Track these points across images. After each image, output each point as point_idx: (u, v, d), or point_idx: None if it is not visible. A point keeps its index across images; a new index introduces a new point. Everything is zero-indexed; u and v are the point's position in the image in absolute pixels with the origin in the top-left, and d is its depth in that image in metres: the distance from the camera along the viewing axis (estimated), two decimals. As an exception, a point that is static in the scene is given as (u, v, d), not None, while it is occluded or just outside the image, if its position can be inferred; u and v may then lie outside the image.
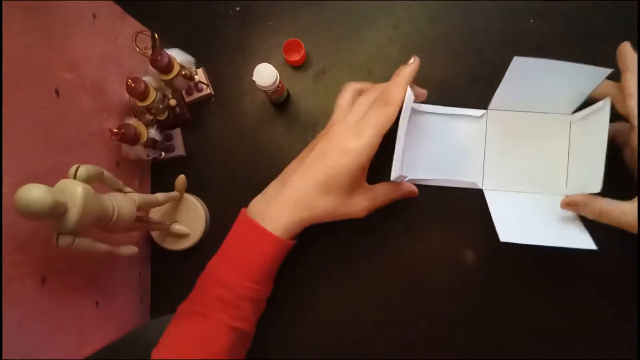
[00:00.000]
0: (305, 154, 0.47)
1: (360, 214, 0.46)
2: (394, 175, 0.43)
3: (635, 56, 0.41)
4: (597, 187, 0.40)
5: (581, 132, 0.46)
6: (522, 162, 0.49)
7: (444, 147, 0.50)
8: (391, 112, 0.42)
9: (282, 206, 0.43)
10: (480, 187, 0.49)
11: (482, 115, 0.50)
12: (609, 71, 0.40)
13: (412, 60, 0.44)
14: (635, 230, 0.39)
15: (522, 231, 0.42)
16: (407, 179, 0.49)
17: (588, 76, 0.42)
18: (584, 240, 0.41)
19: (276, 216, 0.43)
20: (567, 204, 0.43)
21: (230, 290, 0.42)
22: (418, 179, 0.50)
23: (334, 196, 0.43)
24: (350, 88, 0.47)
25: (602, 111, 0.42)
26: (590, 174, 0.42)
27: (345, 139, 0.42)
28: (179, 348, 0.42)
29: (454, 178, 0.50)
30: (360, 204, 0.45)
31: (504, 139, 0.49)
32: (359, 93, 0.47)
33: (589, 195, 0.41)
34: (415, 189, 0.48)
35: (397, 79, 0.43)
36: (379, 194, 0.47)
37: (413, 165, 0.50)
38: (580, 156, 0.46)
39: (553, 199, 0.46)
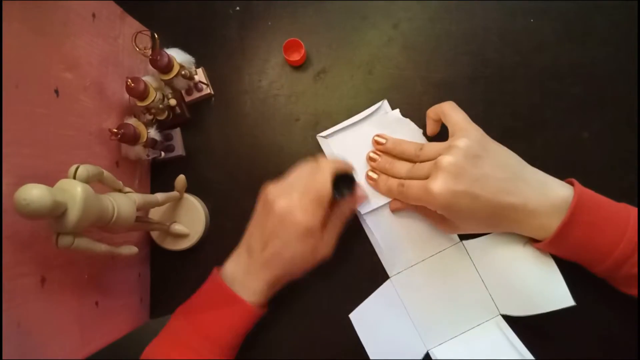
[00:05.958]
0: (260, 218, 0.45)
1: (331, 251, 0.45)
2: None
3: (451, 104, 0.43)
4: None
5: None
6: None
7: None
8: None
9: (260, 267, 0.43)
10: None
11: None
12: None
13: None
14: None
15: None
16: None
17: None
18: None
19: (253, 281, 0.43)
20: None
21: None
22: None
23: (312, 239, 0.42)
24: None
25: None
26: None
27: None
28: None
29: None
30: (329, 242, 0.45)
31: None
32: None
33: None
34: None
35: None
36: (335, 222, 0.45)
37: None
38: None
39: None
